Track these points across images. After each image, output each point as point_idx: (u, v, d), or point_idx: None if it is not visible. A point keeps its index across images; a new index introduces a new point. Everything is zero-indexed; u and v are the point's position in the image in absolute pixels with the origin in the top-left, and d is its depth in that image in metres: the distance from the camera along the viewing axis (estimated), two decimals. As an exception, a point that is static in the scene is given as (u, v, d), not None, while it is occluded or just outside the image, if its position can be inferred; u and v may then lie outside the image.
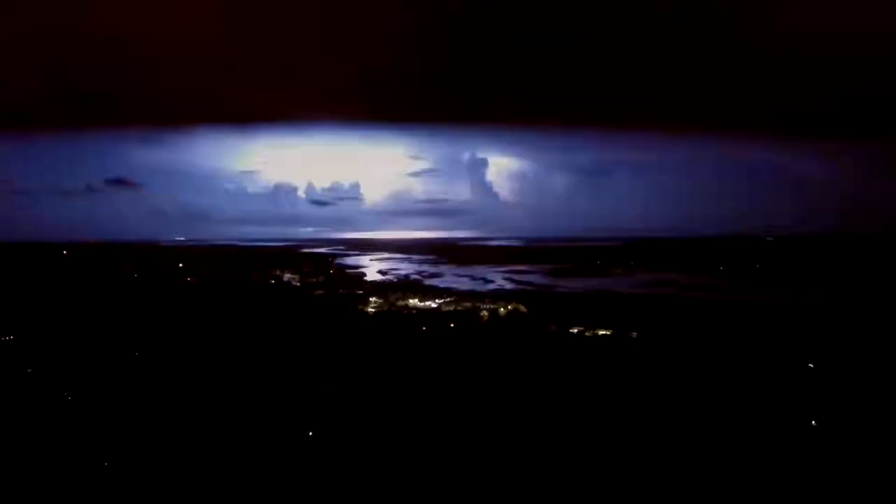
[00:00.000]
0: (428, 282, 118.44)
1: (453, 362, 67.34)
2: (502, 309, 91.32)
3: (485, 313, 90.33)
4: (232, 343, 75.72)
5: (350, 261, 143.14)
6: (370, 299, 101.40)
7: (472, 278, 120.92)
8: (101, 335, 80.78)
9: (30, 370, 68.59)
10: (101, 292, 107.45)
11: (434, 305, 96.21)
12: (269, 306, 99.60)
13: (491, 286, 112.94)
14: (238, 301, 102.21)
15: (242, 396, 57.95)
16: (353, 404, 54.22)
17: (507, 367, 65.37)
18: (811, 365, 64.50)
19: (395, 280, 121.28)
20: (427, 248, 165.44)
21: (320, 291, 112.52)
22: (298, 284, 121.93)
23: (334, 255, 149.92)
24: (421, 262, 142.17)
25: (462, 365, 66.25)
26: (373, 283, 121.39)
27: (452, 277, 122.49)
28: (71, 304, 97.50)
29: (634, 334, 75.90)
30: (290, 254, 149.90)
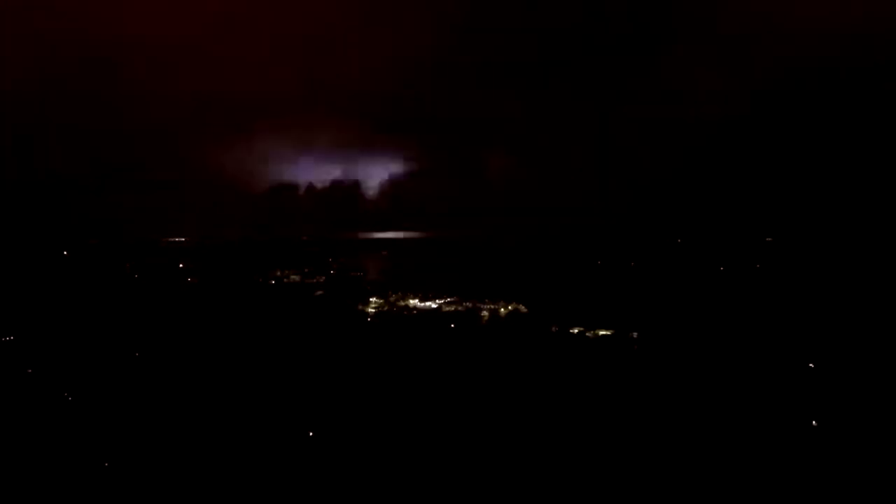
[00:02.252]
0: (429, 280, 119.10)
1: (454, 364, 68.50)
2: (503, 309, 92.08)
3: (485, 314, 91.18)
4: (233, 344, 76.59)
5: (350, 261, 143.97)
6: (371, 300, 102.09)
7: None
8: (102, 335, 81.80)
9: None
10: (100, 292, 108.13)
11: (434, 306, 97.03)
12: (271, 306, 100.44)
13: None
14: (240, 301, 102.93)
15: (243, 397, 58.97)
16: (354, 405, 55.14)
17: (507, 369, 66.56)
18: (811, 364, 65.46)
19: (396, 280, 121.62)
20: (428, 247, 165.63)
21: (321, 292, 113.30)
22: (299, 283, 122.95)
23: (335, 255, 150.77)
24: (422, 262, 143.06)
25: (463, 366, 67.42)
26: (373, 282, 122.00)
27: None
28: (72, 304, 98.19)
29: (635, 334, 76.80)
30: (290, 253, 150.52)
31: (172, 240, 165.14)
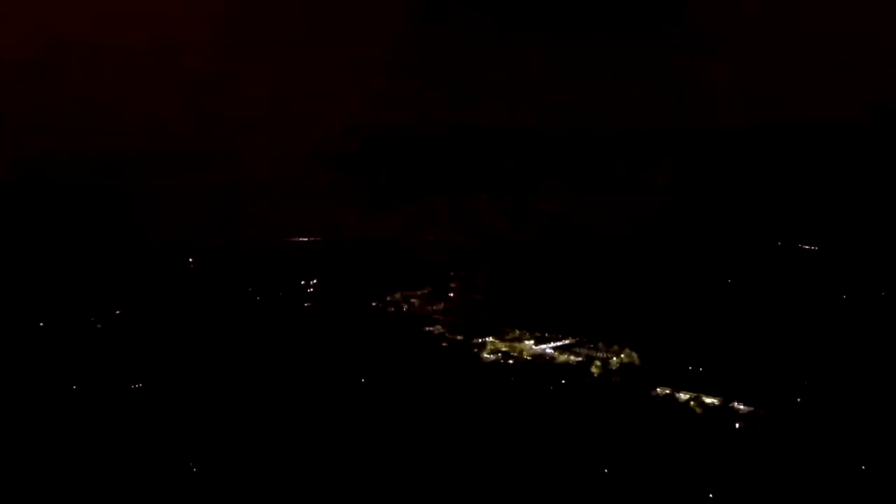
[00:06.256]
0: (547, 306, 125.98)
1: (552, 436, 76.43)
2: (615, 358, 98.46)
3: (597, 365, 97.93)
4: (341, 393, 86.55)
5: (472, 274, 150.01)
6: (487, 339, 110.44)
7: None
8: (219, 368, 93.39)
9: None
10: (220, 320, 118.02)
11: (549, 351, 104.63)
12: (384, 346, 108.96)
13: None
14: (353, 339, 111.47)
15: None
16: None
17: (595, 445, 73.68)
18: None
19: (514, 308, 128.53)
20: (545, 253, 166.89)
21: (438, 327, 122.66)
22: (417, 313, 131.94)
23: (457, 268, 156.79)
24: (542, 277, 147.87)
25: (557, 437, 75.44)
26: (492, 310, 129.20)
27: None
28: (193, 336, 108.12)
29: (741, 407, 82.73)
30: (412, 263, 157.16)
31: (296, 240, 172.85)
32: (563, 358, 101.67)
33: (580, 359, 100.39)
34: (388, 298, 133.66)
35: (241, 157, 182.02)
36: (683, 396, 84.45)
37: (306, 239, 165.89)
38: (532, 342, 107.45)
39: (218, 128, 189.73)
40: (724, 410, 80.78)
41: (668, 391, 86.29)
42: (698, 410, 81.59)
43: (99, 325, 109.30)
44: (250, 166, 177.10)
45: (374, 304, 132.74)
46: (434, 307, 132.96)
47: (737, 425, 77.36)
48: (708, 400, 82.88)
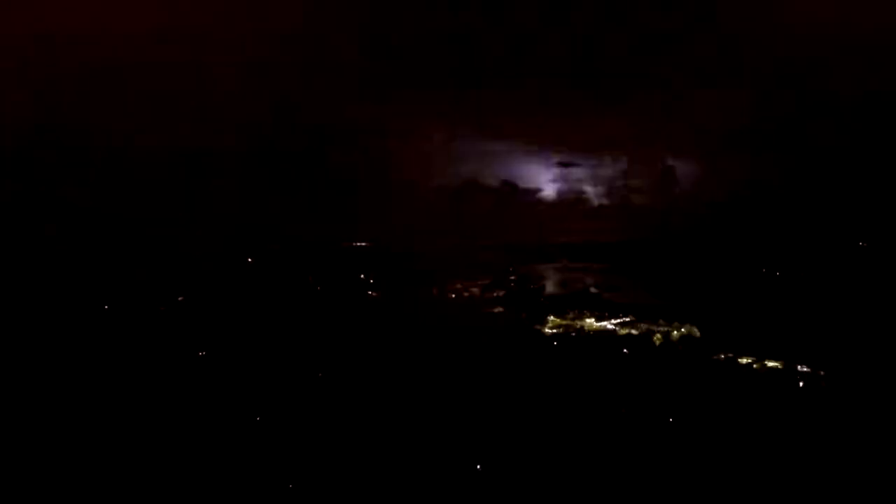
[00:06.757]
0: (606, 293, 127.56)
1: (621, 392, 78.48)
2: (675, 332, 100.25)
3: (658, 337, 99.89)
4: (415, 372, 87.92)
5: (530, 270, 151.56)
6: (549, 318, 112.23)
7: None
8: (288, 354, 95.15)
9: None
10: (285, 308, 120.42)
11: (610, 327, 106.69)
12: (451, 326, 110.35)
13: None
14: (420, 321, 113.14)
15: (424, 425, 69.44)
16: (528, 441, 65.32)
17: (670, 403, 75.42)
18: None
19: (573, 294, 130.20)
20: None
21: (500, 308, 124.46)
22: (478, 298, 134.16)
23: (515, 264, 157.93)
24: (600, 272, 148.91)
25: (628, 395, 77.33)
26: (551, 297, 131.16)
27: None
28: (260, 320, 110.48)
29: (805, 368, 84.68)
30: (468, 261, 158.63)
31: (353, 244, 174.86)
32: (624, 331, 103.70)
33: (641, 332, 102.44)
34: (448, 287, 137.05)
35: (291, 163, 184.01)
36: (745, 360, 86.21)
37: (362, 244, 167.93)
38: (593, 319, 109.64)
39: (258, 128, 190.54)
40: (784, 371, 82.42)
41: (730, 355, 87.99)
42: (760, 371, 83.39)
43: (162, 308, 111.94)
44: (303, 171, 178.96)
45: (434, 292, 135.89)
46: (494, 294, 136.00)
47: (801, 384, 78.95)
48: (770, 364, 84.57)
